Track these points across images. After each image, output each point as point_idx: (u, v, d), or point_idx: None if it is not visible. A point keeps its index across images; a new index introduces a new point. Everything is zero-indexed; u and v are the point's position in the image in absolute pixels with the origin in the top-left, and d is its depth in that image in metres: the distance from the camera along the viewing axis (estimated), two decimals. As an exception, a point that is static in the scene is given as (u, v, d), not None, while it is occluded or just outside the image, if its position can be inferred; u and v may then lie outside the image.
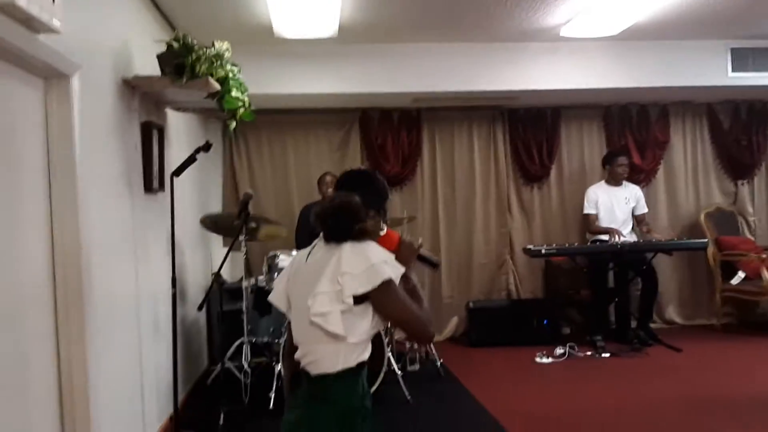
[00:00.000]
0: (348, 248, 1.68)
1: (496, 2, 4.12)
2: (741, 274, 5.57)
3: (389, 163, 5.85)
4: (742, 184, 6.25)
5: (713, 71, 5.28)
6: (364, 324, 1.66)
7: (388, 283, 1.63)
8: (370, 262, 1.64)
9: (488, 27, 4.65)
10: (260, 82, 4.35)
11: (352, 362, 1.65)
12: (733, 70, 5.26)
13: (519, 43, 5.05)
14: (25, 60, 2.20)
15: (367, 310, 1.66)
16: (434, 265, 2.08)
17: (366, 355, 1.69)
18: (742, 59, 5.26)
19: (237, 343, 4.16)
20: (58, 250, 2.45)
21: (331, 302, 1.63)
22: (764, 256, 5.48)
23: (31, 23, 2.09)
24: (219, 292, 3.91)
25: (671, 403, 3.91)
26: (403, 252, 1.82)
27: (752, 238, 6.10)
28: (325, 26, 4.30)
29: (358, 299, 1.63)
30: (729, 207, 6.20)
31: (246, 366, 4.02)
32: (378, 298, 1.64)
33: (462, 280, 5.98)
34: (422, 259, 1.95)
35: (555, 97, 5.59)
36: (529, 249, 5.29)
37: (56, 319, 2.45)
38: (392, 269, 1.67)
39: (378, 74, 5.02)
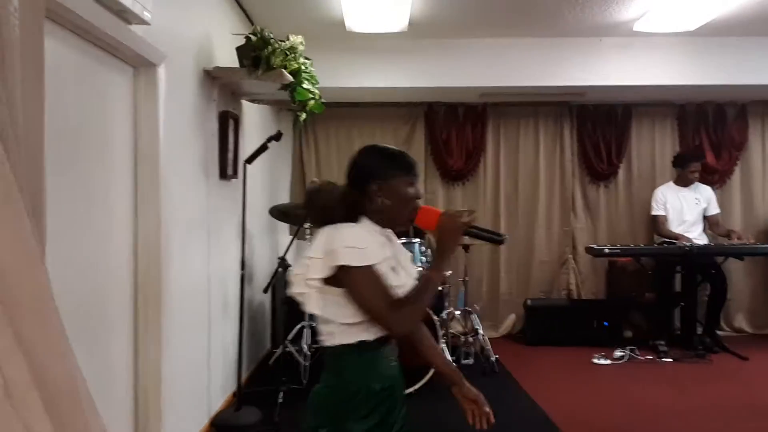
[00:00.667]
0: (321, 233, 1.67)
1: (569, -3, 4.07)
2: (820, 284, 5.29)
3: (453, 157, 5.88)
4: (826, 189, 5.91)
5: (796, 69, 5.03)
6: (353, 306, 1.62)
7: (345, 270, 1.57)
8: (331, 247, 1.59)
9: (559, 21, 4.60)
10: (330, 76, 4.48)
11: (351, 340, 1.64)
12: (819, 68, 4.99)
13: (590, 38, 4.96)
14: (118, 49, 2.38)
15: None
16: (496, 241, 1.75)
17: (367, 336, 1.63)
18: (828, 57, 4.99)
19: (298, 326, 4.31)
20: (141, 229, 2.64)
21: (304, 284, 1.65)
22: None
23: (124, 14, 2.26)
24: (284, 276, 4.06)
25: (733, 411, 3.78)
26: (444, 230, 1.67)
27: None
28: (396, 21, 4.37)
29: (337, 282, 1.62)
30: (810, 213, 5.89)
31: (306, 349, 4.17)
32: (341, 283, 1.60)
33: (521, 277, 5.95)
34: (477, 235, 1.69)
35: (626, 93, 5.47)
36: (593, 248, 5.21)
37: (136, 294, 2.64)
38: (357, 255, 1.58)
39: (446, 69, 5.06)
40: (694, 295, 5.31)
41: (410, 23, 4.42)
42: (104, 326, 2.36)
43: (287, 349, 4.19)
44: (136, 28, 2.38)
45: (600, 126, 5.92)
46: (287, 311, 4.43)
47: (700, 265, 5.23)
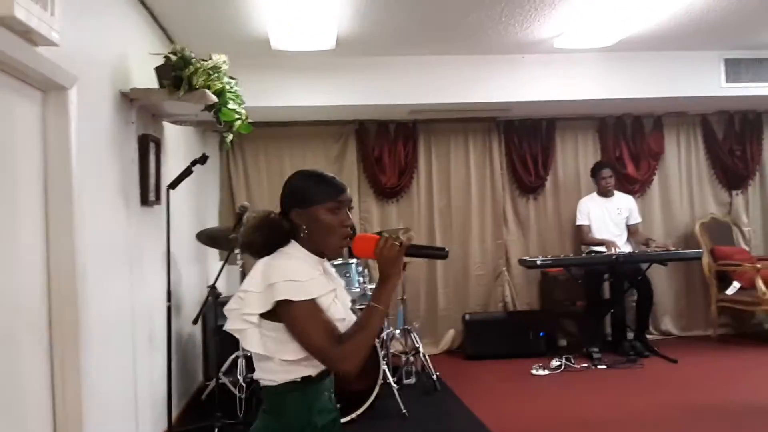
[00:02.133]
0: (257, 265, 1.59)
1: (490, 15, 4.15)
2: (736, 285, 5.57)
3: (386, 174, 5.86)
4: (737, 194, 6.27)
5: (707, 82, 5.33)
6: (294, 342, 1.54)
7: (285, 304, 1.50)
8: (269, 281, 1.51)
9: (483, 39, 4.68)
10: (257, 95, 4.39)
11: (293, 376, 1.56)
12: (727, 80, 5.30)
13: (514, 55, 5.08)
14: (24, 72, 2.20)
15: None
16: (440, 256, 1.73)
17: (310, 371, 1.57)
18: (735, 69, 5.31)
19: (232, 357, 4.13)
20: (54, 263, 2.44)
21: (240, 320, 1.56)
22: (759, 266, 5.49)
23: (29, 36, 2.09)
24: (214, 305, 3.89)
25: (668, 414, 3.90)
26: (383, 258, 1.59)
27: (747, 249, 6.11)
28: (323, 39, 4.32)
29: (276, 317, 1.53)
30: (724, 217, 6.22)
31: (241, 381, 3.99)
32: (280, 318, 1.53)
33: (458, 291, 5.97)
34: (418, 254, 1.67)
35: (549, 108, 5.63)
36: (525, 260, 5.31)
37: (50, 332, 2.43)
38: (297, 289, 1.50)
39: (375, 86, 5.05)
40: (623, 302, 5.49)
41: (338, 41, 4.39)
42: (13, 371, 2.15)
43: (221, 381, 3.99)
44: (43, 50, 2.21)
45: (526, 140, 6.07)
46: (219, 342, 4.23)
47: (627, 273, 5.42)
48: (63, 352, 2.44)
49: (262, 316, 1.54)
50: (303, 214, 1.61)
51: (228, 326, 1.61)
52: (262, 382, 1.61)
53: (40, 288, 2.38)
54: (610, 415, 3.96)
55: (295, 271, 1.53)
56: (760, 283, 5.37)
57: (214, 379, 4.01)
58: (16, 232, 2.20)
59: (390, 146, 5.89)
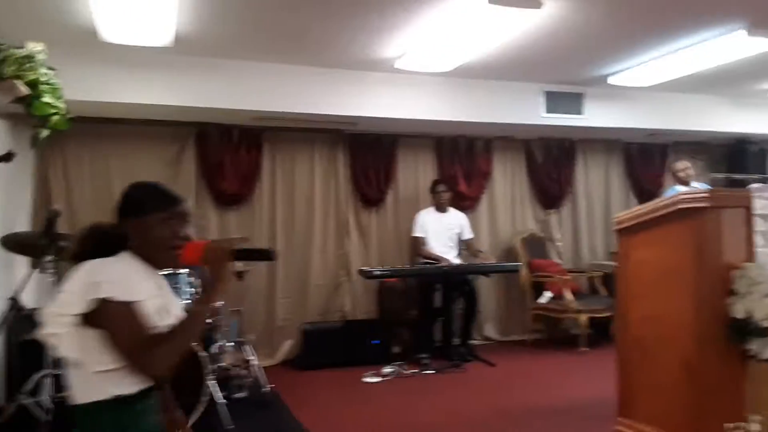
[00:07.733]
0: (83, 265, 1.53)
1: (335, 31, 4.23)
2: (548, 294, 6.18)
3: (226, 181, 5.69)
4: (551, 213, 6.98)
5: (530, 111, 5.88)
6: (110, 350, 1.47)
7: (105, 304, 1.45)
8: (93, 280, 1.46)
9: (330, 53, 4.75)
10: (83, 89, 4.09)
11: (106, 394, 1.47)
12: (547, 111, 5.91)
13: (360, 71, 5.22)
14: None
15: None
16: (267, 257, 1.69)
17: (126, 389, 1.49)
18: (554, 101, 5.93)
19: (38, 375, 3.70)
20: None
21: (58, 323, 1.49)
22: (567, 277, 6.15)
23: None
24: (18, 319, 3.49)
25: (486, 414, 4.21)
26: (210, 261, 1.59)
27: (559, 262, 6.81)
28: (160, 35, 4.10)
29: (95, 322, 1.47)
30: (540, 233, 6.89)
31: (49, 402, 3.60)
32: (100, 321, 1.46)
33: (298, 302, 5.95)
34: (247, 257, 1.67)
35: (392, 125, 5.85)
36: (364, 270, 5.45)
37: None
38: (121, 289, 1.47)
39: (217, 89, 4.89)
40: (451, 310, 5.85)
41: (176, 38, 4.19)
42: None
43: (24, 402, 3.57)
44: None
45: (370, 154, 6.23)
46: (25, 359, 3.80)
47: (456, 283, 5.79)
48: None
49: (84, 320, 1.46)
50: (136, 223, 1.60)
51: (43, 331, 1.50)
52: (75, 400, 1.51)
53: None
54: (434, 417, 4.18)
55: (122, 272, 1.52)
56: (567, 293, 6.01)
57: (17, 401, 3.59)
58: None
59: (233, 152, 5.73)
